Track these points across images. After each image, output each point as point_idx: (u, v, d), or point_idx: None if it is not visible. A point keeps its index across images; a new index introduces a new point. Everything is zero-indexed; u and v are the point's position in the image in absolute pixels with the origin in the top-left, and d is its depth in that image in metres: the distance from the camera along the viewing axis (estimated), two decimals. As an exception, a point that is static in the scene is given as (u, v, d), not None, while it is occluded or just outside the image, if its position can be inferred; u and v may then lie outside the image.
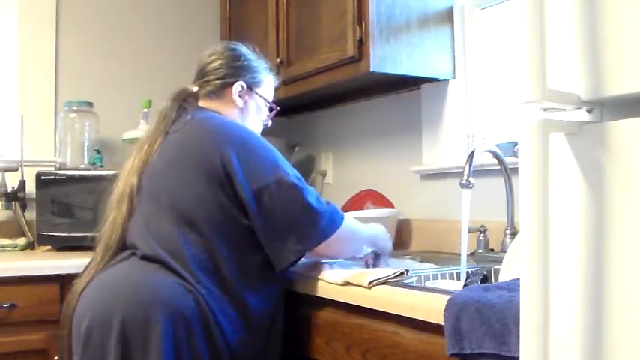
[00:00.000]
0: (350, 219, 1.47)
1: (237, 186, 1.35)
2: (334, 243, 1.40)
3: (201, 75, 1.60)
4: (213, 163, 1.36)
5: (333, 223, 1.39)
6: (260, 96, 1.63)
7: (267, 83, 1.67)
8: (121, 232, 1.42)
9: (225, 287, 1.33)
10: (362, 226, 1.54)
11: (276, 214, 1.35)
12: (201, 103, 1.57)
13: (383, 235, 1.61)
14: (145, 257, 1.35)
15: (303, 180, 1.42)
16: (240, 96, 1.58)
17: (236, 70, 1.59)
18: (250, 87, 1.60)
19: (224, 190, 1.35)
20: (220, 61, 1.59)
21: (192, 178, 1.37)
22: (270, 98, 1.68)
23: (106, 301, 1.30)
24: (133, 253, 1.38)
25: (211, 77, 1.58)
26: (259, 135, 1.52)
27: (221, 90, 1.58)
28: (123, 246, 1.42)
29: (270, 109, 1.68)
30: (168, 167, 1.42)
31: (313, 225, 1.36)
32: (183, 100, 1.55)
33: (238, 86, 1.58)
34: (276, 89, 1.73)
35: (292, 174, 1.39)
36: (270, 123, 1.70)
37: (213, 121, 1.48)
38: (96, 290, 1.34)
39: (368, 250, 1.59)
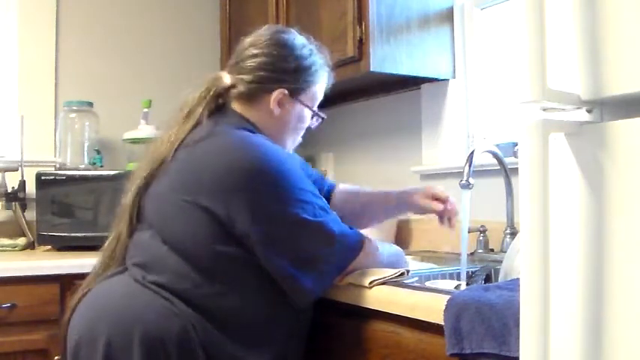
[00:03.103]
0: (370, 243, 1.34)
1: (244, 227, 1.21)
2: (349, 270, 1.31)
3: (238, 69, 1.38)
4: (213, 203, 1.22)
5: (350, 254, 1.29)
6: (304, 104, 1.41)
7: (316, 86, 1.42)
8: (122, 253, 1.34)
9: (222, 326, 1.22)
10: (382, 249, 1.39)
11: (290, 256, 1.22)
12: (232, 105, 1.38)
13: (399, 260, 1.44)
14: (136, 281, 1.27)
15: (324, 209, 1.27)
16: (279, 104, 1.37)
17: (280, 74, 1.36)
18: (294, 94, 1.38)
19: (225, 230, 1.22)
20: (262, 59, 1.36)
21: (189, 211, 1.24)
22: (318, 100, 1.45)
23: (93, 319, 1.24)
24: (127, 268, 1.32)
25: (249, 77, 1.36)
26: (281, 156, 1.29)
27: (256, 95, 1.37)
28: (122, 260, 1.35)
29: (315, 115, 1.46)
30: (167, 192, 1.29)
31: (328, 263, 1.26)
32: (213, 99, 1.36)
33: (279, 94, 1.36)
34: (327, 89, 1.50)
35: (309, 209, 1.24)
36: (313, 126, 1.49)
37: (230, 144, 1.28)
38: (86, 306, 1.29)
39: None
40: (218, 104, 1.38)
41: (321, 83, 1.44)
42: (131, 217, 1.35)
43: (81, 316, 1.28)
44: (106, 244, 1.38)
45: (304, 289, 1.24)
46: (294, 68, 1.38)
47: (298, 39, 1.41)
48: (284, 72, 1.37)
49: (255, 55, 1.37)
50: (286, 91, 1.36)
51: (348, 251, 1.29)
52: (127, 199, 1.36)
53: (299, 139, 1.50)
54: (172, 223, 1.28)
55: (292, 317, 1.30)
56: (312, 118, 1.46)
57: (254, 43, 1.39)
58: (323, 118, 1.48)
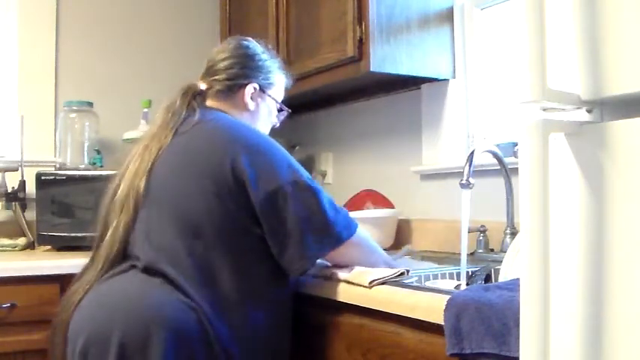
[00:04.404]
0: (364, 232, 1.40)
1: (250, 190, 1.28)
2: (349, 250, 1.34)
3: (212, 72, 1.53)
4: (222, 171, 1.29)
5: (348, 228, 1.33)
6: (272, 98, 1.58)
7: (279, 83, 1.60)
8: (124, 240, 1.34)
9: (229, 301, 1.27)
10: (376, 244, 1.46)
11: (290, 216, 1.28)
12: (209, 103, 1.51)
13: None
14: (146, 270, 1.28)
15: (315, 181, 1.36)
16: (252, 99, 1.52)
17: (249, 70, 1.53)
18: (263, 89, 1.54)
19: (234, 199, 1.29)
20: (232, 60, 1.53)
21: (200, 187, 1.30)
22: (281, 98, 1.63)
23: (104, 318, 1.23)
24: (133, 266, 1.31)
25: (222, 76, 1.51)
26: (270, 137, 1.43)
27: (231, 91, 1.51)
28: (123, 255, 1.35)
29: (280, 110, 1.62)
30: (173, 174, 1.35)
31: (328, 230, 1.30)
32: (192, 98, 1.47)
33: (251, 89, 1.52)
34: (287, 89, 1.66)
35: (306, 175, 1.33)
36: (278, 124, 1.65)
37: (223, 123, 1.41)
38: (93, 305, 1.28)
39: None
40: (198, 103, 1.49)
41: (281, 81, 1.61)
42: (135, 210, 1.35)
43: (86, 316, 1.27)
44: (103, 240, 1.37)
45: (297, 254, 1.29)
46: (260, 66, 1.55)
47: (259, 45, 1.60)
48: (252, 69, 1.54)
49: (225, 59, 1.53)
50: (257, 86, 1.53)
51: (346, 226, 1.33)
52: (122, 193, 1.37)
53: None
54: (187, 201, 1.31)
55: (283, 303, 1.38)
56: (278, 113, 1.62)
57: (223, 50, 1.56)
58: (289, 113, 1.64)
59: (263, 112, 1.56)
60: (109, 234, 1.36)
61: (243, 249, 1.31)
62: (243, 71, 1.52)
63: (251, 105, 1.52)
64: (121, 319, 1.21)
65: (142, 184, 1.35)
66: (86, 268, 1.39)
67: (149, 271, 1.28)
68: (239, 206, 1.29)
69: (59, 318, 1.35)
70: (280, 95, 1.62)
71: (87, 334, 1.23)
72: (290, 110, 1.64)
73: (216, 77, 1.51)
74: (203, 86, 1.52)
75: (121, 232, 1.35)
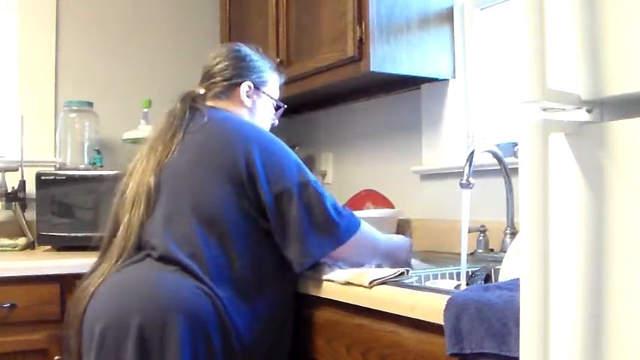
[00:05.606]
0: (367, 226, 1.46)
1: (259, 188, 1.36)
2: (349, 248, 1.41)
3: (208, 77, 1.62)
4: (236, 165, 1.37)
5: (349, 230, 1.40)
6: (267, 95, 1.65)
7: (273, 82, 1.69)
8: (138, 233, 1.39)
9: (240, 289, 1.33)
10: (380, 236, 1.51)
11: (295, 217, 1.35)
12: (209, 104, 1.58)
13: (401, 249, 1.56)
14: (161, 258, 1.33)
15: (320, 184, 1.43)
16: (248, 96, 1.61)
17: (242, 70, 1.61)
18: (257, 87, 1.63)
19: (245, 192, 1.37)
20: (226, 63, 1.61)
21: (215, 179, 1.38)
22: (276, 96, 1.70)
23: (122, 304, 1.27)
24: (148, 255, 1.36)
25: (218, 79, 1.60)
26: (277, 138, 1.50)
27: (229, 91, 1.59)
28: (137, 247, 1.40)
29: (277, 108, 1.70)
30: (189, 168, 1.42)
31: (330, 231, 1.37)
32: (193, 102, 1.55)
33: (246, 86, 1.60)
34: (281, 88, 1.74)
35: (312, 179, 1.41)
36: (277, 122, 1.72)
37: (234, 122, 1.50)
38: (110, 292, 1.31)
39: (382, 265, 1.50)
40: (200, 104, 1.56)
41: (275, 80, 1.70)
42: (147, 204, 1.41)
43: (103, 303, 1.30)
44: (118, 235, 1.41)
45: (301, 251, 1.35)
46: (252, 66, 1.64)
47: (249, 49, 1.69)
48: (245, 69, 1.62)
49: (219, 62, 1.63)
50: (251, 84, 1.61)
51: (347, 227, 1.39)
52: (132, 190, 1.43)
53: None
54: (203, 193, 1.38)
55: (287, 292, 1.44)
56: (276, 112, 1.70)
57: (216, 55, 1.64)
58: (285, 108, 1.71)
59: (260, 108, 1.64)
60: (121, 229, 1.42)
61: (254, 240, 1.37)
62: (237, 71, 1.61)
63: (247, 102, 1.60)
64: (139, 304, 1.25)
65: (152, 180, 1.42)
66: (98, 264, 1.43)
67: (164, 259, 1.33)
68: (250, 200, 1.37)
69: (73, 312, 1.38)
70: (275, 93, 1.70)
71: (105, 321, 1.26)
72: (285, 105, 1.70)
73: (213, 80, 1.60)
74: (202, 91, 1.60)
75: (135, 226, 1.40)
